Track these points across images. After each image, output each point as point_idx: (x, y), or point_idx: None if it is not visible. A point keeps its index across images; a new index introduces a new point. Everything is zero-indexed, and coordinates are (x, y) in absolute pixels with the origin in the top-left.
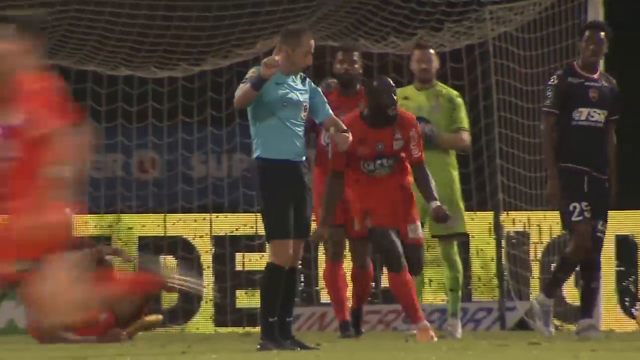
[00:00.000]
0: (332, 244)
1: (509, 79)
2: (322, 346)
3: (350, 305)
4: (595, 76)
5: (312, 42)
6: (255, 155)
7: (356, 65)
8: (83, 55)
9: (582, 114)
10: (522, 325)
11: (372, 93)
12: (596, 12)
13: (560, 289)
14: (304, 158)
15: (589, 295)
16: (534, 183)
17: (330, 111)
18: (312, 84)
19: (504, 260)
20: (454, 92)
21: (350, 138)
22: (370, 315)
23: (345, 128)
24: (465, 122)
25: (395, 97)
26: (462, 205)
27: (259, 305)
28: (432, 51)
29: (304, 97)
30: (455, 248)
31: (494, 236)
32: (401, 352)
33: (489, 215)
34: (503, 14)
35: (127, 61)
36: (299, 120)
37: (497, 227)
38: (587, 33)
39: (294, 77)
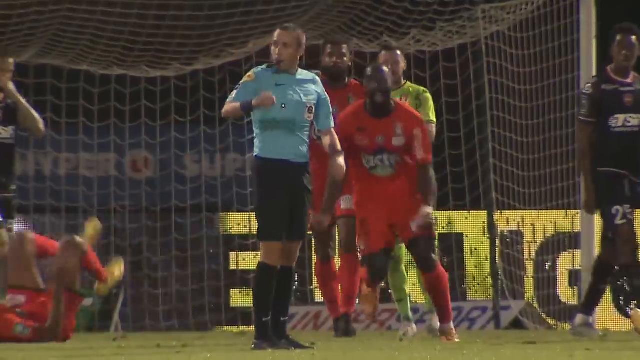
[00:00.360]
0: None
1: (502, 78)
2: (317, 345)
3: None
4: (629, 80)
5: (277, 32)
6: (254, 153)
7: (345, 59)
8: (75, 55)
9: (619, 120)
10: (516, 324)
11: (364, 79)
12: (588, 11)
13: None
14: (306, 159)
15: (596, 294)
16: (527, 182)
17: (332, 123)
18: (324, 90)
19: (498, 260)
20: (421, 88)
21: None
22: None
23: (340, 150)
24: (431, 115)
25: (386, 85)
26: None
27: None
28: (399, 52)
29: (308, 98)
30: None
31: (487, 235)
32: (395, 351)
33: (482, 214)
34: (495, 13)
35: (119, 60)
36: (301, 121)
37: (491, 226)
38: (618, 37)
39: (297, 76)
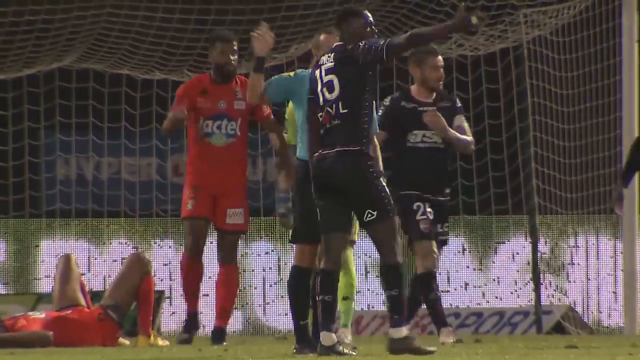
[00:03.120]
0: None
1: (544, 82)
2: (359, 349)
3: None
4: None
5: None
6: (298, 156)
7: (236, 55)
8: (117, 59)
9: None
10: (558, 328)
11: None
12: (630, 15)
13: None
14: None
15: None
16: (569, 186)
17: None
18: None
19: (540, 264)
20: None
21: None
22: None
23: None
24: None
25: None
26: None
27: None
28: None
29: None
30: (351, 255)
31: (529, 240)
32: (436, 357)
33: (524, 219)
34: (537, 17)
35: (161, 65)
36: None
37: (533, 230)
38: None
39: None
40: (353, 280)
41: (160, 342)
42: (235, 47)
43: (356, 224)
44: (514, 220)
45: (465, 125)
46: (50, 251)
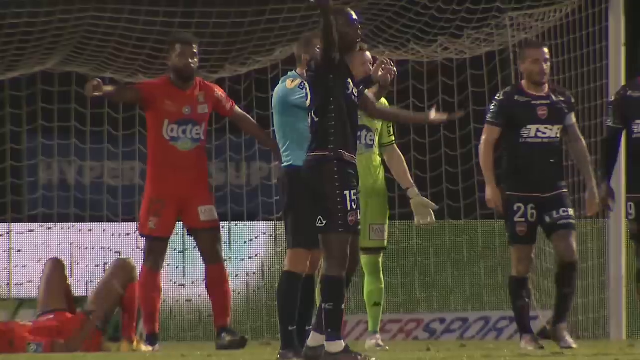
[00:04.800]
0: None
1: None
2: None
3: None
4: None
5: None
6: (287, 163)
7: (196, 59)
8: (100, 62)
9: None
10: (544, 334)
11: None
12: (617, 18)
13: None
14: None
15: None
16: None
17: None
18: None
19: None
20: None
21: None
22: (391, 324)
23: None
24: (394, 135)
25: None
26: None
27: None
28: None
29: None
30: (380, 261)
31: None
32: None
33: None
34: (524, 20)
35: (144, 68)
36: None
37: None
38: None
39: None
40: (382, 285)
41: (143, 347)
42: (195, 50)
43: (386, 228)
44: (499, 225)
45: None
46: (32, 256)
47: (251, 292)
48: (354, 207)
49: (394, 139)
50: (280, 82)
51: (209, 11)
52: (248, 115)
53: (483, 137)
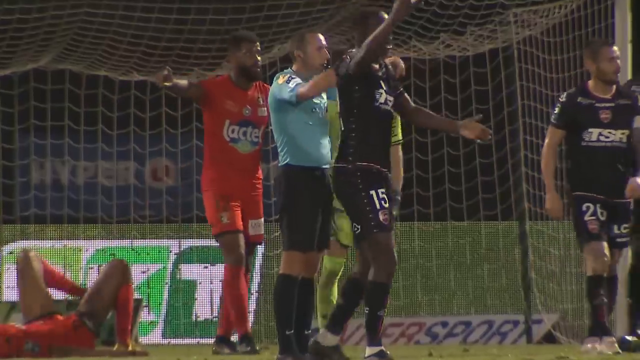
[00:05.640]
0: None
1: (534, 84)
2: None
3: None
4: None
5: (319, 36)
6: (283, 162)
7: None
8: (94, 60)
9: None
10: (549, 338)
11: None
12: (623, 15)
13: None
14: (328, 165)
15: None
16: (560, 192)
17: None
18: None
19: (530, 272)
20: None
21: None
22: (392, 328)
23: None
24: (400, 134)
25: None
26: None
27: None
28: None
29: (325, 98)
30: None
31: (519, 247)
32: None
33: (514, 225)
34: (528, 16)
35: (139, 66)
36: (325, 123)
37: (523, 237)
38: None
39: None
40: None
41: (139, 349)
42: (259, 48)
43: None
44: (503, 227)
45: None
46: None
47: (249, 295)
48: (384, 205)
49: (399, 138)
50: (274, 79)
51: (206, 7)
52: None
53: (546, 140)
